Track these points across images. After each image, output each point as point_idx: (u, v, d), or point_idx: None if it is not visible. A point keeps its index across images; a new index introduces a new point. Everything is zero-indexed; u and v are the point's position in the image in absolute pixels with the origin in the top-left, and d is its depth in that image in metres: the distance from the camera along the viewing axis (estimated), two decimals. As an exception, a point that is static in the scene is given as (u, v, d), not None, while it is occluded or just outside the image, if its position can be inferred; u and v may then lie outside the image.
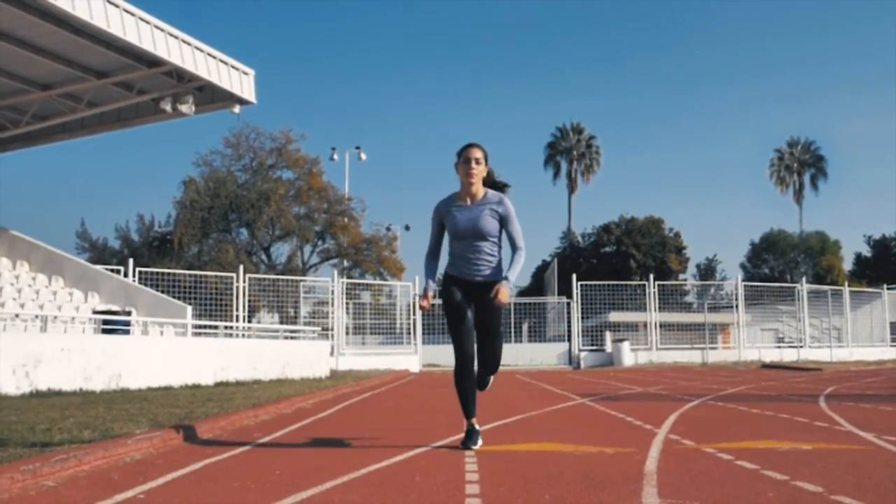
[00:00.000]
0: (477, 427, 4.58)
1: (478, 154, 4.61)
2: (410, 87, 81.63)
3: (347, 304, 23.34)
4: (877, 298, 30.73)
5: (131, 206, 77.42)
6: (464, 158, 4.60)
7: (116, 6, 11.79)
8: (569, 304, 25.22)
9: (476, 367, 4.68)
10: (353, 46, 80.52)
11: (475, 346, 4.57)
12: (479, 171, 4.60)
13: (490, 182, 4.79)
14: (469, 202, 4.61)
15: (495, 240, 4.59)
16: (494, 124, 78.17)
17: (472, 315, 4.56)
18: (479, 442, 4.54)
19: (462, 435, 4.62)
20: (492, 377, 4.90)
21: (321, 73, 78.98)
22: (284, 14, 78.63)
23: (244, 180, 34.44)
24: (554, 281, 29.45)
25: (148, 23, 12.37)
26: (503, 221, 4.59)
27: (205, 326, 15.89)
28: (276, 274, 28.93)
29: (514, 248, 4.61)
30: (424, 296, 4.59)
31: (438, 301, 5.95)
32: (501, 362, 4.83)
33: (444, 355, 21.20)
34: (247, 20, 78.15)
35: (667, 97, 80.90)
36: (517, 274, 4.57)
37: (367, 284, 29.33)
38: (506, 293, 4.46)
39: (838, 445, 4.50)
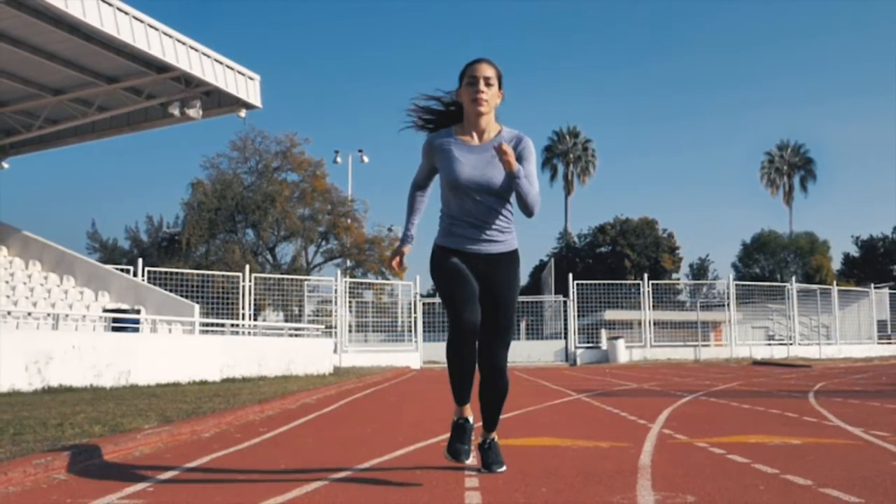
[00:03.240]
0: (471, 420, 3.34)
1: (488, 72, 3.21)
2: (410, 91, 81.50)
3: (350, 302, 23.33)
4: (864, 297, 30.71)
5: (140, 208, 77.49)
6: (468, 79, 3.22)
7: (126, 13, 11.80)
8: (565, 302, 25.21)
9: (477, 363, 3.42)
10: (354, 51, 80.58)
11: (479, 315, 3.19)
12: (491, 97, 3.22)
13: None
14: (477, 140, 3.25)
15: (506, 194, 3.25)
16: (493, 128, 77.82)
17: (476, 283, 3.24)
18: (471, 455, 3.38)
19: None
20: (494, 437, 3.47)
21: (324, 77, 79.02)
22: (288, 19, 78.68)
23: (250, 182, 34.44)
24: (551, 280, 29.43)
25: (157, 29, 12.38)
26: (518, 160, 3.18)
27: (212, 324, 15.89)
28: (281, 273, 28.92)
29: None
30: (396, 252, 3.42)
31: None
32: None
33: (444, 353, 21.03)
34: (252, 26, 78.19)
35: (660, 101, 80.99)
36: (526, 188, 3.15)
37: (369, 283, 29.32)
38: (511, 154, 3.06)
39: (827, 440, 4.50)
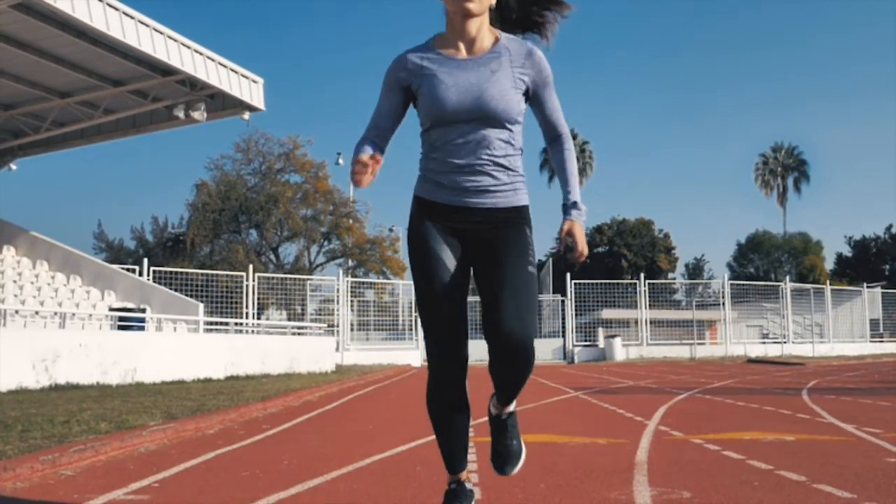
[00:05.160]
0: (468, 485, 2.40)
1: None
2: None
3: (352, 301, 23.34)
4: (857, 296, 30.71)
5: (146, 209, 77.42)
6: None
7: (132, 17, 11.80)
8: (563, 301, 25.22)
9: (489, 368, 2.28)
10: (355, 53, 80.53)
11: (467, 342, 2.29)
12: None
13: (515, 15, 2.38)
14: (465, 52, 2.25)
15: (514, 128, 2.26)
16: (492, 130, 77.84)
17: (461, 282, 2.27)
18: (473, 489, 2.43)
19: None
20: (514, 408, 2.46)
21: (326, 79, 78.97)
22: (290, 22, 78.67)
23: (254, 184, 34.45)
24: (549, 279, 29.43)
25: (161, 33, 12.38)
26: (536, 89, 2.29)
27: (216, 323, 15.89)
28: (284, 273, 28.92)
29: (555, 135, 2.36)
30: (357, 160, 2.16)
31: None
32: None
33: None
34: (255, 29, 78.18)
35: (657, 104, 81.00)
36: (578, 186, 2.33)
37: (370, 283, 29.29)
38: (582, 236, 2.24)
39: (820, 437, 4.50)
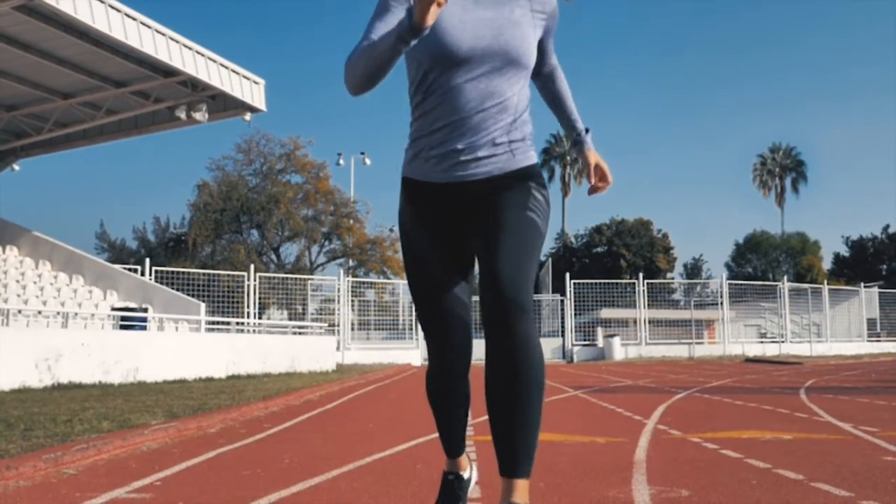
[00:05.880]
0: (466, 474, 2.24)
1: None
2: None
3: (353, 301, 23.34)
4: (854, 296, 30.72)
5: (148, 209, 77.50)
6: None
7: (134, 19, 11.81)
8: (562, 301, 25.22)
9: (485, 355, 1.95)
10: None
11: (468, 332, 2.09)
12: None
13: None
14: None
15: (526, 79, 1.98)
16: (492, 131, 77.81)
17: (457, 268, 2.05)
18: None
19: None
20: (527, 499, 1.84)
21: (327, 80, 78.98)
22: (291, 23, 78.67)
23: (255, 184, 34.47)
24: (548, 279, 29.43)
25: (163, 35, 12.39)
26: (544, 35, 2.05)
27: (217, 323, 15.89)
28: (285, 273, 28.92)
29: (551, 67, 2.18)
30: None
31: None
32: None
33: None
34: (256, 30, 78.18)
35: (657, 104, 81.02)
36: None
37: (371, 283, 29.29)
38: (603, 163, 2.21)
39: (818, 435, 4.50)
